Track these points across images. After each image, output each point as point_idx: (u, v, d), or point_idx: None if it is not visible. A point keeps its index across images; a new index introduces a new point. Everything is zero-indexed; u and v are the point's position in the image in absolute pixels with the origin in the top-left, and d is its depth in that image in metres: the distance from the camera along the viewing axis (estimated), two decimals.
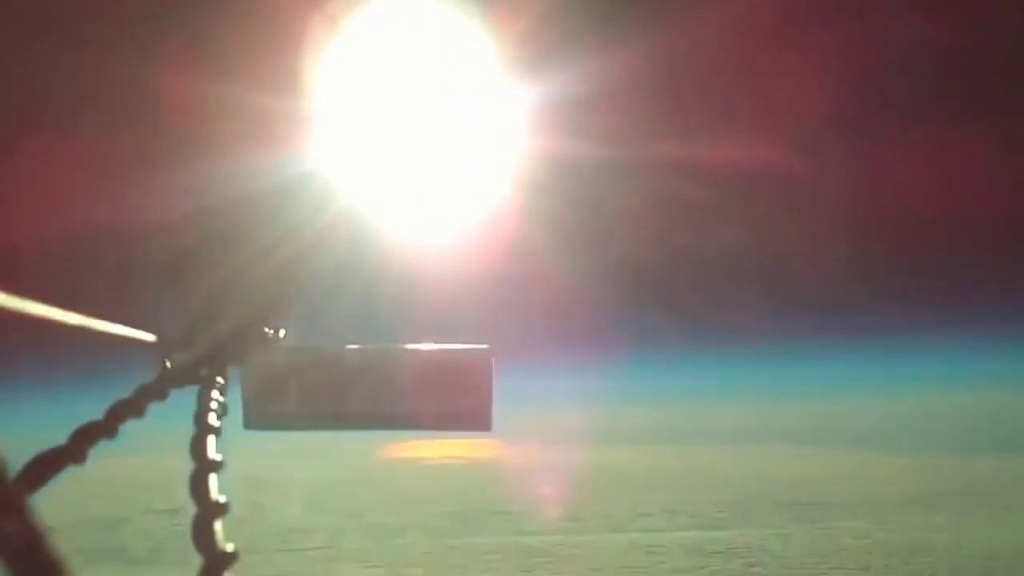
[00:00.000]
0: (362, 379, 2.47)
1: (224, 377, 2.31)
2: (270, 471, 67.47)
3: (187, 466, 1.65)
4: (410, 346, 2.54)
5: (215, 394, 2.11)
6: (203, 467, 1.67)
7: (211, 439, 1.80)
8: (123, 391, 1.93)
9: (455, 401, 2.50)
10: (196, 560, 1.60)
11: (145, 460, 73.64)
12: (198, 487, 1.60)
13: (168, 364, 2.32)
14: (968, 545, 31.21)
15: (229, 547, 1.38)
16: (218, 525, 1.45)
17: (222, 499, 1.52)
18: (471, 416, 2.54)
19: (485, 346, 2.55)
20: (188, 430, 1.86)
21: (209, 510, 1.49)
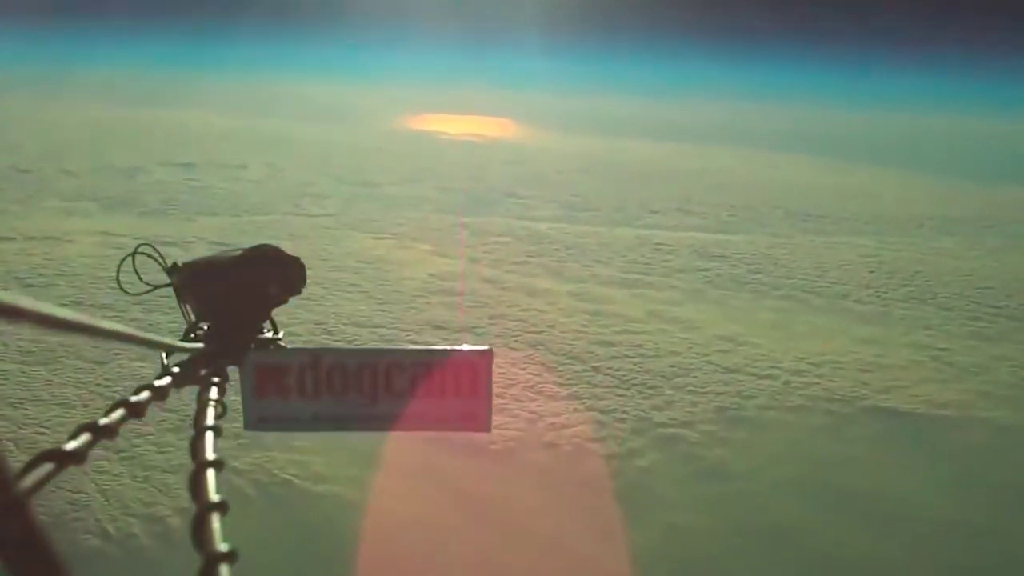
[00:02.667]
0: (362, 379, 2.51)
1: (224, 377, 2.32)
2: (289, 132, 68.10)
3: (187, 466, 1.64)
4: (409, 347, 2.58)
5: (215, 394, 2.13)
6: (203, 467, 1.63)
7: (211, 439, 1.79)
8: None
9: (454, 402, 2.53)
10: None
11: (165, 113, 73.89)
12: (198, 486, 1.55)
13: (168, 364, 2.27)
14: (970, 270, 31.60)
15: (228, 547, 1.34)
16: (217, 524, 1.40)
17: (221, 498, 1.48)
18: (470, 417, 2.55)
19: (484, 348, 2.55)
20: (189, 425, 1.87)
21: (208, 509, 1.44)
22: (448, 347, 2.54)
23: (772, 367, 20.93)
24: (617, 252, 32.45)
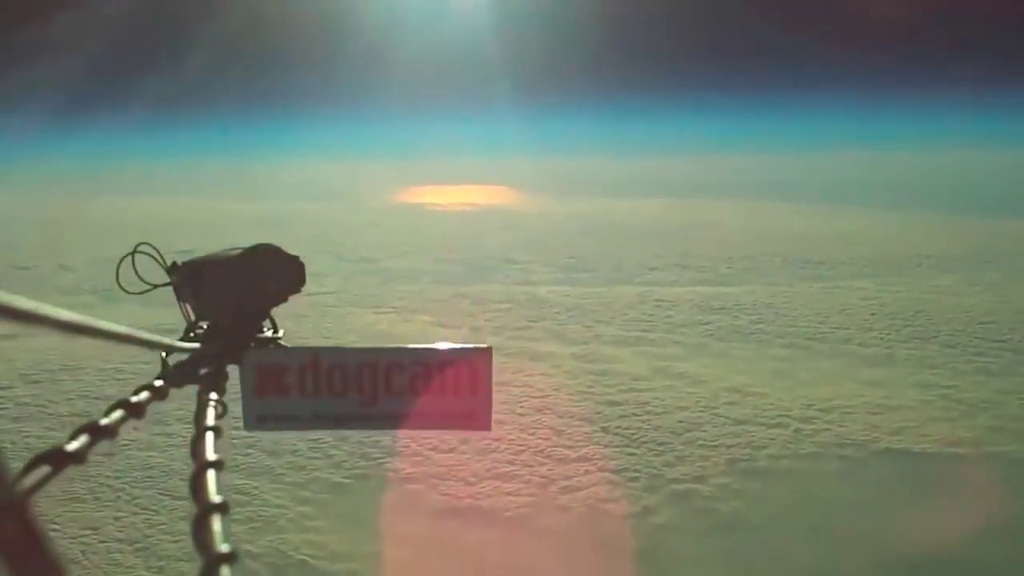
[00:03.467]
0: (362, 378, 2.51)
1: (224, 377, 2.35)
2: (285, 212, 68.60)
3: (187, 465, 1.64)
4: (409, 346, 2.54)
5: (215, 394, 2.14)
6: (203, 467, 1.62)
7: (211, 439, 1.79)
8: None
9: (454, 401, 2.52)
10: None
11: (161, 201, 74.42)
12: (198, 487, 1.54)
13: (168, 364, 2.30)
14: (971, 307, 31.62)
15: (229, 547, 1.33)
16: (218, 525, 1.39)
17: (222, 499, 1.47)
18: (470, 416, 2.53)
19: (484, 346, 2.54)
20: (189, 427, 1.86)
21: (209, 510, 1.43)
22: (448, 346, 2.53)
23: (781, 416, 20.87)
24: (618, 311, 32.51)
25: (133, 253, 3.02)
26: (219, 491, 1.50)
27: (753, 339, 28.38)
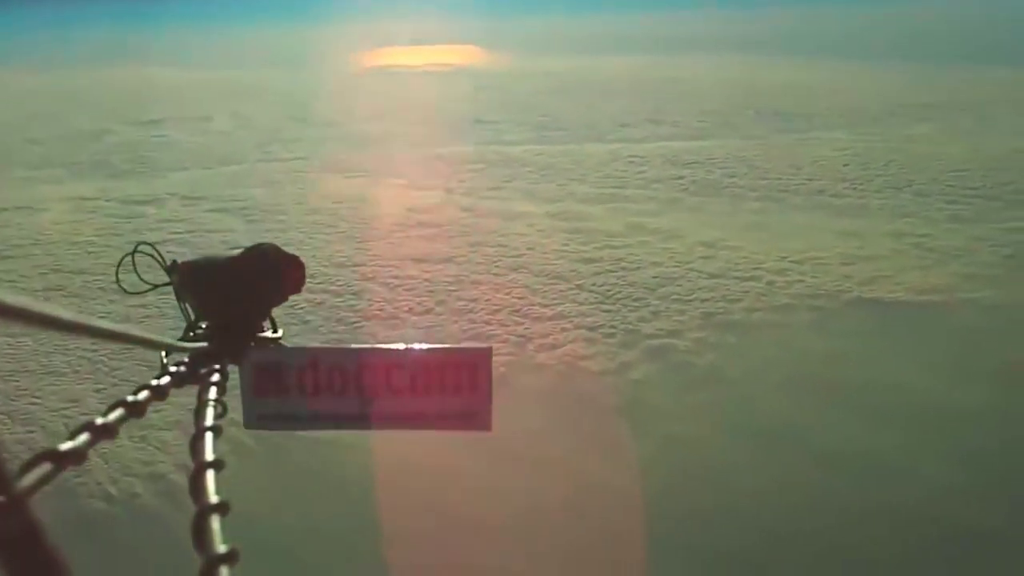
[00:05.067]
0: (362, 379, 2.52)
1: (224, 376, 2.33)
2: (251, 80, 66.97)
3: (187, 465, 1.63)
4: (409, 346, 2.56)
5: (215, 394, 2.13)
6: (202, 467, 1.63)
7: (210, 439, 1.80)
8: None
9: (454, 401, 2.55)
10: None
11: (125, 71, 72.55)
12: (198, 487, 1.55)
13: (168, 364, 2.30)
14: (945, 155, 31.60)
15: (229, 547, 1.34)
16: (218, 525, 1.41)
17: (222, 499, 1.49)
18: (471, 415, 2.58)
19: (484, 346, 2.59)
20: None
21: (209, 509, 1.44)
22: (448, 345, 2.56)
23: (755, 269, 20.96)
24: (591, 168, 32.26)
25: (133, 253, 2.97)
26: (218, 491, 1.52)
27: (726, 193, 28.31)
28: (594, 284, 20.41)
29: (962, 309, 18.46)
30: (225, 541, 1.33)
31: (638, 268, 21.29)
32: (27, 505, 0.96)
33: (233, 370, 2.47)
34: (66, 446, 1.43)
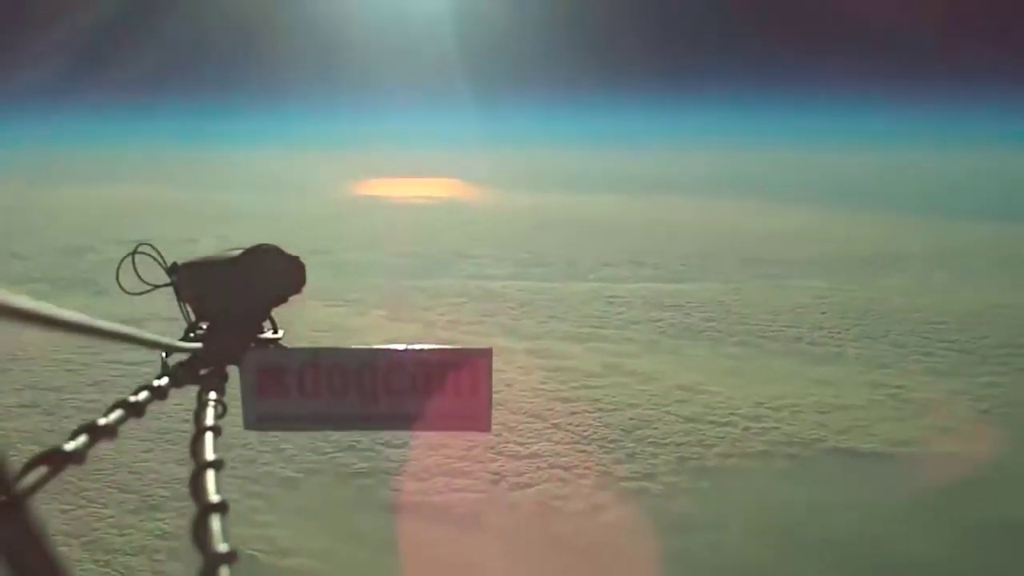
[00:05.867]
0: (362, 379, 2.52)
1: (224, 377, 2.37)
2: (239, 203, 67.83)
3: (188, 465, 1.64)
4: (409, 347, 2.54)
5: (215, 394, 2.15)
6: (203, 466, 1.63)
7: (210, 439, 1.80)
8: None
9: (453, 402, 2.53)
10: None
11: (114, 190, 73.28)
12: (197, 486, 1.56)
13: (168, 364, 2.32)
14: (921, 306, 32.00)
15: (229, 547, 1.33)
16: (218, 525, 1.40)
17: (222, 499, 1.49)
18: (470, 416, 2.55)
19: (483, 347, 2.57)
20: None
21: (209, 509, 1.44)
22: (448, 347, 2.54)
23: (731, 414, 20.94)
24: (571, 307, 32.51)
25: (134, 253, 3.01)
26: (218, 491, 1.51)
27: (705, 337, 28.50)
28: (570, 424, 20.32)
29: (937, 463, 18.42)
30: (225, 541, 1.33)
31: (615, 409, 21.24)
32: (27, 506, 0.97)
33: (233, 370, 2.46)
34: (66, 446, 1.43)
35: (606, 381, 23.40)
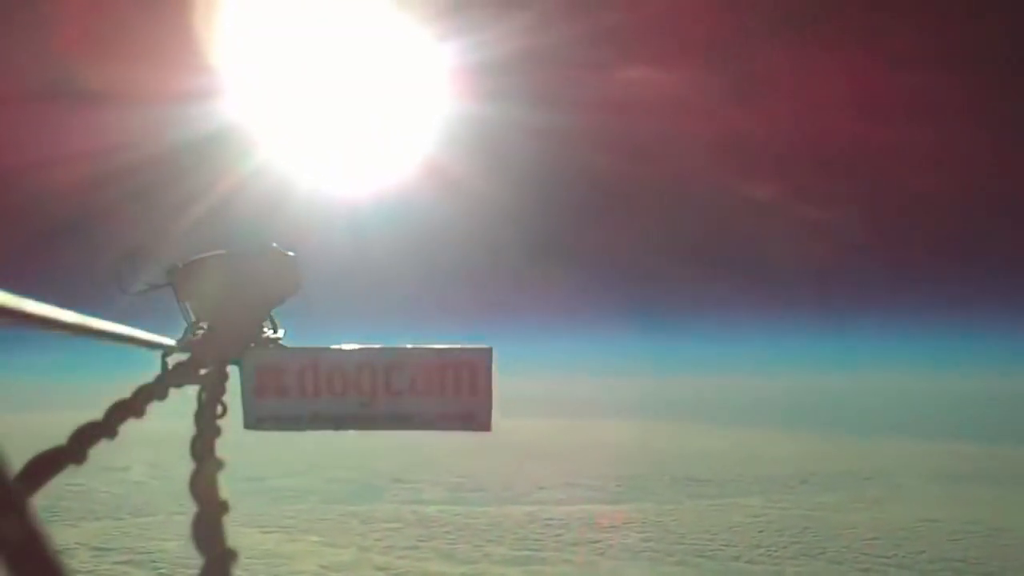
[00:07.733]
0: (361, 379, 2.52)
1: (224, 377, 2.40)
2: (170, 429, 66.19)
3: (188, 465, 1.66)
4: (410, 346, 2.56)
5: (215, 394, 2.19)
6: (203, 466, 1.68)
7: (211, 439, 1.85)
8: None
9: (455, 401, 2.55)
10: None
11: (42, 416, 71.64)
12: (198, 486, 1.58)
13: (168, 364, 2.35)
14: (856, 523, 32.12)
15: (229, 546, 1.36)
16: (218, 524, 1.44)
17: (222, 498, 1.53)
18: (471, 416, 2.58)
19: (484, 346, 2.57)
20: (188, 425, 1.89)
21: (209, 509, 1.48)
22: (448, 346, 2.53)
23: None
24: (508, 530, 31.97)
25: (133, 254, 2.94)
26: (219, 491, 1.52)
27: (643, 557, 28.13)
28: None
29: None
30: (225, 540, 1.32)
31: None
32: (28, 505, 0.95)
33: (233, 371, 2.44)
34: (66, 446, 1.45)
35: None
